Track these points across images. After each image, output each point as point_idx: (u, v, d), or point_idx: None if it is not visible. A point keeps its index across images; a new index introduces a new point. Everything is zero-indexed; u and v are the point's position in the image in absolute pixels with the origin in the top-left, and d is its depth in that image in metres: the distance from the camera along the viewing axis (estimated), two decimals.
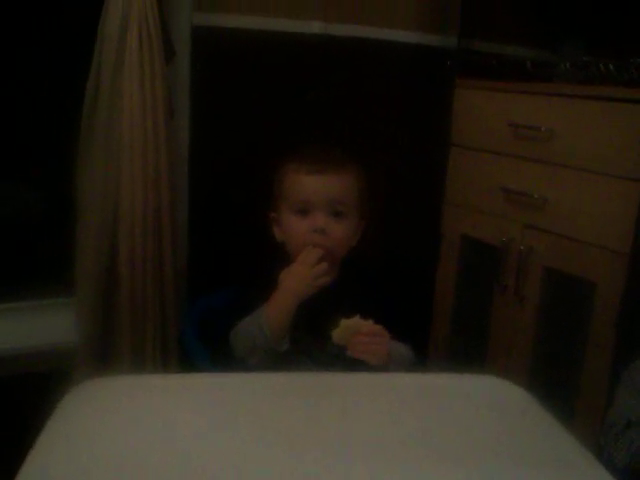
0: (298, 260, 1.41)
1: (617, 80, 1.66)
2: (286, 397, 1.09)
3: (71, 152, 1.68)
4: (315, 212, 1.44)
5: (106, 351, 1.71)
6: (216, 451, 0.92)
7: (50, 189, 2.03)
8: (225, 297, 1.62)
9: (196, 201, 1.90)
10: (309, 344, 1.40)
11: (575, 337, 1.67)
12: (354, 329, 1.30)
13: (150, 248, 1.67)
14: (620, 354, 1.52)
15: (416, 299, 2.12)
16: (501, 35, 2.10)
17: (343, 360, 1.33)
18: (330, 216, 1.46)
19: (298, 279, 1.38)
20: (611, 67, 1.68)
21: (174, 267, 1.72)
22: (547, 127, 1.71)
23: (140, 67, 1.62)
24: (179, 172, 1.80)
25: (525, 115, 1.80)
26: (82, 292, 1.71)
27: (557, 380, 1.73)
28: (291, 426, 0.99)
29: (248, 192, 1.82)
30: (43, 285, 1.93)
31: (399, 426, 1.01)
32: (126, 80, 1.61)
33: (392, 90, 2.09)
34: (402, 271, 2.06)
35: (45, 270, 1.96)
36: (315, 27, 1.97)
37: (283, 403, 1.07)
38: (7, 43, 1.82)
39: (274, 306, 1.36)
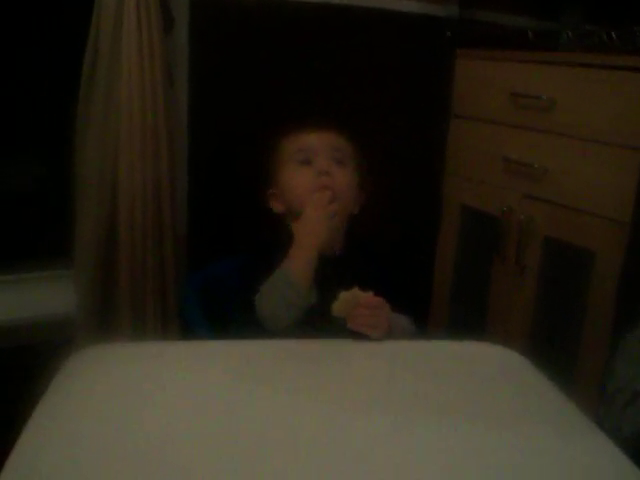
0: (310, 206, 1.41)
1: (619, 48, 1.65)
2: (286, 363, 1.11)
3: (70, 123, 1.67)
4: (317, 159, 1.45)
5: (106, 322, 1.71)
6: (215, 416, 0.92)
7: (49, 160, 2.02)
8: (227, 266, 1.62)
9: (196, 170, 1.89)
10: (313, 316, 1.40)
11: (574, 306, 1.68)
12: (353, 301, 1.29)
13: (150, 217, 1.66)
14: (619, 323, 1.52)
15: (417, 269, 2.13)
16: (502, 4, 2.08)
17: (345, 333, 1.33)
18: (332, 161, 1.47)
19: (314, 223, 1.38)
20: (613, 35, 1.66)
21: (174, 236, 1.71)
22: (548, 96, 1.70)
23: (138, 36, 1.60)
24: (178, 141, 1.79)
25: (526, 85, 1.79)
26: (81, 263, 1.71)
27: (556, 348, 1.74)
28: (290, 390, 1.00)
29: (247, 161, 1.80)
30: (43, 257, 1.93)
31: (398, 390, 1.02)
32: (124, 49, 1.60)
33: (393, 60, 2.08)
34: (403, 242, 2.06)
35: (45, 242, 1.96)
36: None
37: (284, 369, 1.09)
38: (3, 19, 1.80)
39: (297, 257, 1.35)
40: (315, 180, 1.44)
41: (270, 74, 1.92)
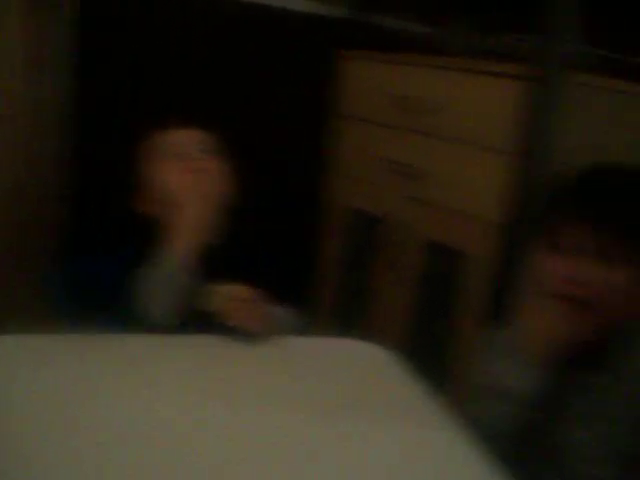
0: (186, 199, 1.39)
1: (498, 55, 1.71)
2: (159, 359, 1.10)
3: None
4: (188, 154, 1.44)
5: None
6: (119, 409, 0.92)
7: None
8: (104, 261, 1.57)
9: (75, 164, 1.83)
10: (190, 310, 1.38)
11: (450, 306, 1.72)
12: (227, 295, 1.28)
13: (25, 209, 1.61)
14: (491, 322, 1.57)
15: (304, 268, 2.14)
16: (390, 8, 2.11)
17: (221, 326, 1.32)
18: (203, 156, 1.46)
19: (191, 215, 1.37)
20: (493, 43, 1.72)
21: (49, 229, 1.66)
22: (430, 100, 1.74)
23: (23, 22, 1.54)
24: (56, 133, 1.73)
25: (409, 88, 1.82)
26: None
27: (434, 346, 1.77)
28: (161, 385, 0.99)
29: (128, 156, 1.76)
30: None
31: (268, 385, 1.04)
32: (6, 34, 1.54)
33: (277, 59, 2.06)
34: (289, 241, 2.06)
35: None
36: None
37: (154, 365, 1.07)
38: None
39: (177, 248, 1.33)
40: (188, 174, 1.42)
41: (152, 68, 1.88)
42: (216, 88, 1.94)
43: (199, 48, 1.93)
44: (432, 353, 1.75)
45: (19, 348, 1.08)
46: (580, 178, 1.07)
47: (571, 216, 1.00)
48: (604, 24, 1.66)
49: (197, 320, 1.34)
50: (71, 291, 1.49)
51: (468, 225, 1.65)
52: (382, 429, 0.94)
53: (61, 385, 0.96)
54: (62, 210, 1.81)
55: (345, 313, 2.08)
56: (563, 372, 1.06)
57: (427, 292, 1.80)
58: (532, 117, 1.50)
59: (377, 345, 1.19)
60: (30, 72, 1.58)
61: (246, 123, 1.85)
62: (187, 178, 1.41)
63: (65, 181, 1.82)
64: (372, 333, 1.91)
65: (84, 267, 1.59)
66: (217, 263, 1.40)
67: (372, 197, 1.94)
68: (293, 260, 2.01)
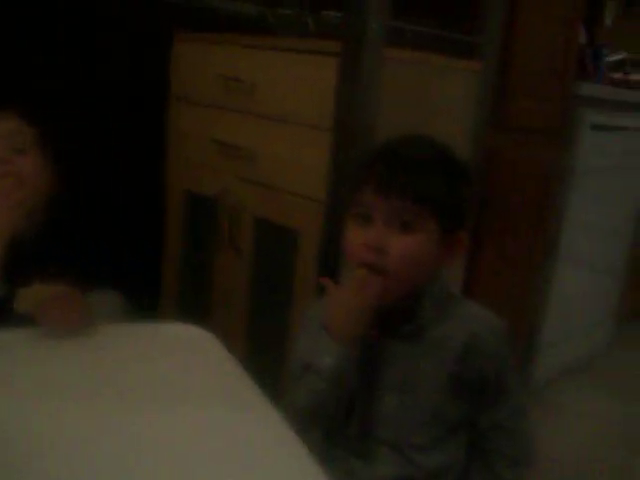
0: None
1: (316, 33, 1.72)
2: None
3: None
4: None
5: None
6: None
7: None
8: None
9: None
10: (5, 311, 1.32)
11: (284, 286, 1.73)
12: (38, 296, 1.23)
13: None
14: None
15: (145, 253, 2.11)
16: None
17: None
18: (12, 149, 1.38)
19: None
20: (310, 21, 1.73)
21: None
22: (251, 79, 1.74)
23: None
24: None
25: (234, 68, 1.81)
26: None
27: (271, 326, 1.79)
28: None
29: None
30: None
31: (94, 372, 1.04)
32: None
33: (113, 42, 2.00)
34: (127, 227, 2.02)
35: None
36: None
37: None
38: None
39: None
40: None
41: None
42: (43, 71, 1.85)
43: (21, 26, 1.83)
44: (270, 332, 1.77)
45: None
46: (376, 150, 1.11)
47: (368, 187, 1.03)
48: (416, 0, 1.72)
49: (11, 321, 1.29)
50: None
51: (297, 203, 1.67)
52: (194, 413, 0.95)
53: None
54: None
55: (188, 295, 2.07)
56: (371, 342, 1.09)
57: (262, 270, 1.81)
58: (345, 93, 1.52)
59: (200, 328, 1.19)
60: None
61: (79, 109, 1.78)
62: None
63: None
64: (212, 313, 1.93)
65: None
66: (31, 257, 1.35)
67: (206, 180, 1.92)
68: (135, 245, 1.99)
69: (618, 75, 2.93)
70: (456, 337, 1.06)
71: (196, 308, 2.00)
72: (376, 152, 1.10)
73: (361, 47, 1.51)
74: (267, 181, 1.73)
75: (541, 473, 2.16)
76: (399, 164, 1.05)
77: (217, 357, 1.13)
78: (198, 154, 1.96)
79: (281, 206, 1.71)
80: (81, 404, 0.95)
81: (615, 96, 2.59)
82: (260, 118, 1.74)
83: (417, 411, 1.07)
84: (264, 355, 1.72)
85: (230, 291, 1.88)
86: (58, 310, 1.22)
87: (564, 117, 2.26)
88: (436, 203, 1.04)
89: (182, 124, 2.02)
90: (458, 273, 1.96)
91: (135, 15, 2.02)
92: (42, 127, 1.44)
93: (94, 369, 1.06)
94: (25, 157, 1.38)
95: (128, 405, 0.96)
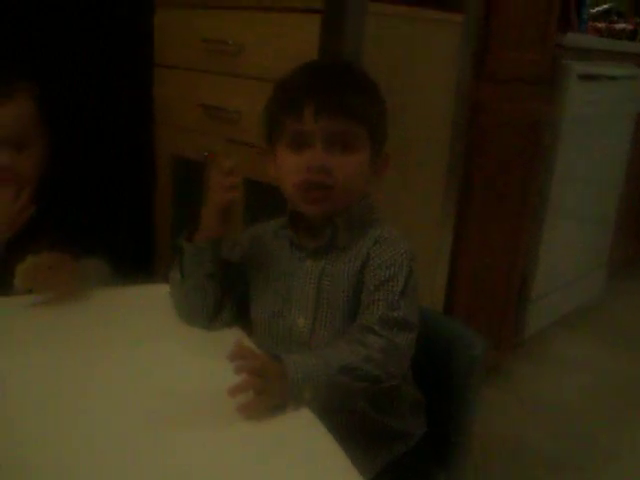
0: None
1: None
2: None
3: None
4: None
5: None
6: None
7: None
8: None
9: None
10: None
11: None
12: (36, 269, 1.24)
13: None
14: None
15: (137, 218, 2.12)
16: None
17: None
18: (12, 150, 1.37)
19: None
20: None
21: None
22: (236, 41, 1.73)
23: None
24: None
25: (216, 30, 1.80)
26: None
27: None
28: None
29: None
30: None
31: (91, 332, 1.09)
32: None
33: (90, 11, 1.99)
34: (118, 194, 2.03)
35: None
36: None
37: None
38: None
39: None
40: None
41: None
42: (26, 47, 1.84)
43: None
44: None
45: None
46: (297, 77, 1.12)
47: (305, 111, 1.04)
48: None
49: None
50: None
51: None
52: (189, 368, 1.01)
53: None
54: None
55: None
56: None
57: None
58: (330, 50, 1.52)
59: None
60: None
61: (65, 81, 1.78)
62: None
63: None
64: None
65: None
66: (29, 229, 1.36)
67: (196, 143, 1.92)
68: (126, 211, 2.00)
69: (602, 25, 2.93)
70: (362, 251, 1.07)
71: None
72: (299, 79, 1.11)
73: (344, 2, 1.51)
74: (255, 142, 1.74)
75: (535, 424, 2.22)
76: (336, 87, 1.07)
77: None
78: (184, 119, 1.96)
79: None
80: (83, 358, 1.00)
81: (600, 46, 2.60)
82: (245, 79, 1.73)
83: (327, 332, 1.08)
84: None
85: None
86: (52, 277, 1.23)
87: (550, 67, 2.27)
88: (372, 123, 1.08)
89: (167, 90, 2.02)
90: (448, 225, 1.98)
91: None
92: (46, 106, 1.43)
93: (91, 329, 1.10)
94: (26, 156, 1.37)
95: (123, 356, 1.01)
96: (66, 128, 1.66)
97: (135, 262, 1.57)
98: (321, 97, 1.04)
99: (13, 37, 1.80)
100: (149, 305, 1.21)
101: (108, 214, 1.91)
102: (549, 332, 2.79)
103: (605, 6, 3.20)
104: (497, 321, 2.39)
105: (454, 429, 1.15)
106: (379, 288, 1.04)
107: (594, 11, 3.02)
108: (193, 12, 1.91)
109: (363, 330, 1.01)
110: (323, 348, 1.02)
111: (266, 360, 0.92)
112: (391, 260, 1.05)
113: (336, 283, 1.07)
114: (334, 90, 1.06)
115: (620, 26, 3.00)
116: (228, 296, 1.16)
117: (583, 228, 2.86)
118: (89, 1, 1.97)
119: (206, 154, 1.84)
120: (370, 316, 1.02)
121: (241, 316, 1.17)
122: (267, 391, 0.88)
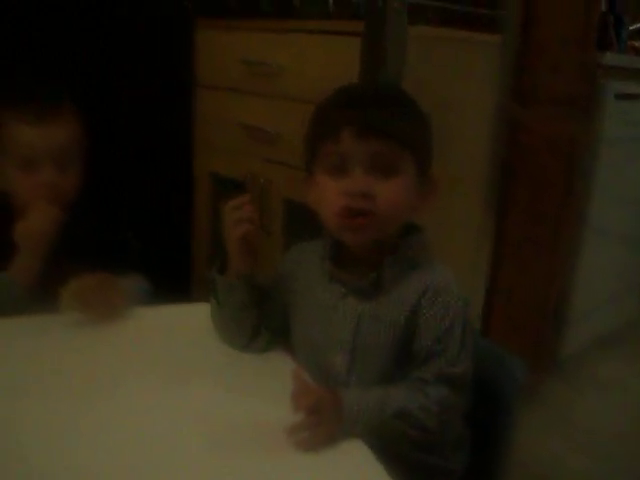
0: (33, 210, 1.33)
1: (335, 13, 1.74)
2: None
3: None
4: (40, 167, 1.36)
5: None
6: None
7: None
8: None
9: None
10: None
11: None
12: (82, 291, 1.25)
13: None
14: None
15: (175, 237, 2.15)
16: None
17: None
18: (57, 168, 1.39)
19: (36, 225, 1.33)
20: (330, 1, 1.75)
21: None
22: (276, 63, 1.75)
23: None
24: None
25: (258, 52, 1.83)
26: None
27: None
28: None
29: None
30: None
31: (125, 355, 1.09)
32: None
33: (132, 31, 2.03)
34: (157, 212, 2.06)
35: None
36: None
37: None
38: None
39: (19, 261, 1.29)
40: (37, 190, 1.36)
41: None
42: (70, 66, 1.88)
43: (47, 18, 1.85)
44: None
45: None
46: (335, 100, 1.06)
47: (342, 134, 0.99)
48: None
49: None
50: None
51: None
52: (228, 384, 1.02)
53: None
54: None
55: None
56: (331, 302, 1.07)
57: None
58: (369, 73, 1.53)
59: None
60: None
61: (106, 100, 1.81)
62: (37, 193, 1.35)
63: None
64: None
65: None
66: (68, 249, 1.38)
67: (234, 163, 1.95)
68: (165, 229, 2.03)
69: (639, 43, 2.90)
70: (411, 297, 1.01)
71: None
72: (337, 100, 1.06)
73: (383, 26, 1.52)
74: (293, 162, 1.75)
75: (573, 446, 2.19)
76: (377, 107, 1.01)
77: None
78: (224, 138, 1.99)
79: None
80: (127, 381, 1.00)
81: (638, 64, 2.57)
82: (285, 100, 1.75)
83: (366, 375, 1.04)
84: None
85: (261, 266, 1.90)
86: (97, 298, 1.25)
87: (587, 87, 2.26)
88: (415, 145, 1.02)
89: (207, 109, 2.05)
90: (485, 246, 1.98)
91: (157, 2, 2.05)
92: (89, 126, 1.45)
93: (129, 348, 1.11)
94: (69, 175, 1.39)
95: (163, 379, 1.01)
96: (107, 146, 1.70)
97: (173, 280, 1.59)
98: (359, 117, 0.99)
99: (59, 58, 1.84)
100: (189, 325, 1.20)
101: (147, 231, 1.94)
102: (585, 353, 2.75)
103: None
104: (533, 342, 2.37)
105: (496, 457, 1.14)
106: (436, 341, 0.99)
107: (632, 28, 2.99)
108: (233, 33, 1.94)
109: (421, 382, 0.98)
110: (385, 387, 0.99)
111: (322, 395, 0.91)
112: (445, 310, 0.99)
113: (378, 327, 1.02)
114: (372, 110, 1.01)
115: None
116: (267, 322, 1.14)
117: (620, 249, 2.83)
118: (132, 22, 2.01)
119: (249, 176, 1.85)
120: (427, 370, 0.98)
121: (281, 336, 1.17)
122: (323, 424, 0.88)
